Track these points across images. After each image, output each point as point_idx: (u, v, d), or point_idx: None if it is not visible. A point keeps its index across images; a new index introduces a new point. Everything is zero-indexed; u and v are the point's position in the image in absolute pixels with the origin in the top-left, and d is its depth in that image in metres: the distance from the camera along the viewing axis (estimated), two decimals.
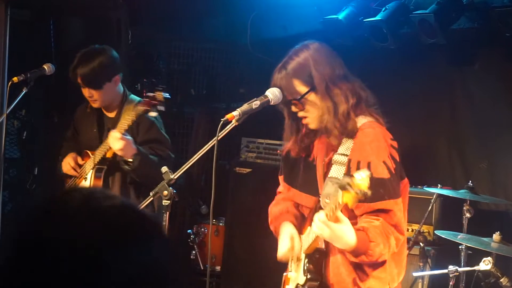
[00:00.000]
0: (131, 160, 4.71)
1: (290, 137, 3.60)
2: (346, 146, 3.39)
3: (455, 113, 6.24)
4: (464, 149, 6.16)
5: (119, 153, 4.69)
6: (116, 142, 4.63)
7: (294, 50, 3.48)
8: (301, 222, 3.63)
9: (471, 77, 6.11)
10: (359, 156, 3.32)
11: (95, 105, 5.02)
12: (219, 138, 3.37)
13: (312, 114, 3.43)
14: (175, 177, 3.47)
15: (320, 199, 3.43)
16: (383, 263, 3.37)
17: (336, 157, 3.41)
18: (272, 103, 3.47)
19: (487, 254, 4.72)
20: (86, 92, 4.96)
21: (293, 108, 3.46)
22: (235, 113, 3.35)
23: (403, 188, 3.44)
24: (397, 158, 3.37)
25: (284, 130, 3.62)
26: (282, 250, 3.56)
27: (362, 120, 3.42)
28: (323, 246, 3.38)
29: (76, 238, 1.25)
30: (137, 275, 1.26)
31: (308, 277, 3.40)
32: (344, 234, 3.12)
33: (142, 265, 1.28)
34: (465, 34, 5.80)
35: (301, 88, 3.40)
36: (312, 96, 3.41)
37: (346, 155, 3.37)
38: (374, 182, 3.22)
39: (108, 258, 1.25)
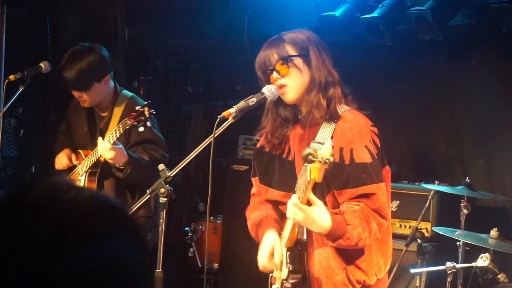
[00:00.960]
0: (122, 167, 4.72)
1: (266, 125, 3.57)
2: (325, 132, 3.36)
3: (452, 110, 6.24)
4: (461, 146, 6.16)
5: (110, 161, 4.69)
6: (106, 152, 4.62)
7: (291, 31, 3.52)
8: (282, 222, 3.56)
9: (468, 74, 6.11)
10: (341, 142, 3.29)
11: (85, 105, 4.98)
12: (216, 135, 3.37)
13: (294, 82, 3.40)
14: (172, 175, 3.47)
15: (295, 190, 3.40)
16: (368, 252, 3.35)
17: (314, 145, 3.34)
18: (268, 100, 3.47)
19: (484, 250, 4.73)
20: (75, 93, 4.93)
21: (274, 75, 3.42)
22: (232, 110, 3.34)
23: (385, 174, 3.42)
24: (378, 144, 3.36)
25: (263, 116, 3.59)
26: (261, 262, 3.52)
27: (342, 108, 3.42)
28: (303, 237, 3.30)
29: (36, 232, 1.21)
30: (102, 269, 1.22)
31: (290, 269, 3.34)
32: (317, 217, 3.06)
33: (107, 258, 1.23)
34: (462, 31, 5.80)
35: (292, 52, 3.41)
36: (299, 62, 3.40)
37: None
38: (357, 168, 3.24)
39: (71, 251, 1.20)
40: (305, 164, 2.89)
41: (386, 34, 5.77)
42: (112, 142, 4.61)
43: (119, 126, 4.59)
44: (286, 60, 3.40)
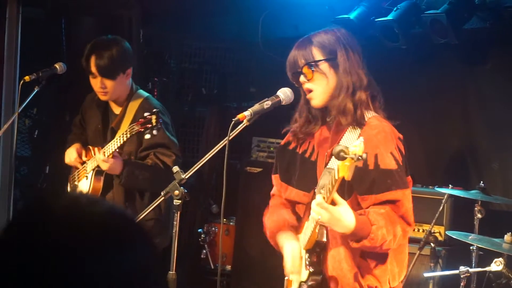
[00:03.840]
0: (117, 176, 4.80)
1: (298, 119, 3.55)
2: (350, 137, 3.35)
3: (466, 113, 6.21)
4: (475, 149, 6.13)
5: (105, 170, 4.75)
6: (101, 163, 4.70)
7: (320, 30, 3.48)
8: (299, 226, 3.56)
9: (483, 77, 6.08)
10: (365, 147, 3.29)
11: (105, 97, 4.95)
12: (230, 138, 3.37)
13: (320, 87, 3.39)
14: (186, 177, 3.47)
15: (315, 190, 3.38)
16: (384, 259, 3.34)
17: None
18: (283, 103, 3.48)
19: (498, 255, 4.70)
20: (97, 82, 4.87)
21: (301, 78, 3.41)
22: (247, 113, 3.35)
23: (408, 183, 3.40)
24: (403, 152, 3.35)
25: (296, 111, 3.57)
26: (288, 269, 3.51)
27: (368, 114, 3.41)
28: (323, 239, 3.30)
29: (58, 245, 1.25)
30: (120, 281, 1.27)
31: (310, 271, 3.35)
32: (342, 216, 3.06)
33: (125, 271, 1.28)
34: (477, 34, 5.78)
35: (318, 56, 3.39)
36: (325, 66, 3.38)
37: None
38: (382, 174, 3.23)
39: (90, 264, 1.25)
40: (327, 166, 2.88)
41: (400, 37, 5.76)
42: (108, 154, 4.67)
43: (126, 131, 4.60)
44: (311, 65, 3.39)
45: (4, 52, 6.16)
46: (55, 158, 5.85)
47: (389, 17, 5.76)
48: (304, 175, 3.51)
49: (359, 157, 2.74)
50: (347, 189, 3.29)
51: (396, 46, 5.86)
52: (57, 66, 5.09)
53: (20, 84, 5.00)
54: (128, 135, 4.60)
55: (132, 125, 4.59)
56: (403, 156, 3.34)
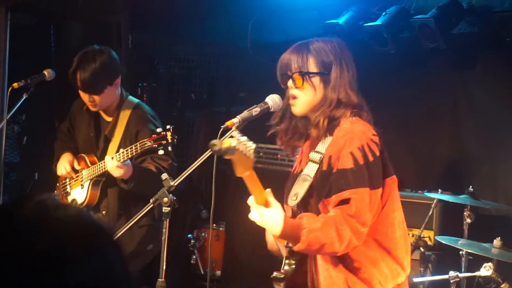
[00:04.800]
0: (127, 180, 4.74)
1: (282, 119, 3.53)
2: (324, 143, 3.36)
3: (456, 117, 6.22)
4: (465, 154, 6.14)
5: (117, 177, 4.72)
6: (114, 170, 4.66)
7: (320, 38, 3.45)
8: None
9: (472, 81, 6.10)
10: (331, 151, 3.28)
11: (95, 109, 4.96)
12: None
13: (305, 97, 3.38)
14: (175, 184, 3.47)
15: (288, 199, 3.40)
16: (372, 262, 3.32)
17: (311, 155, 3.38)
18: (272, 110, 3.47)
19: (488, 259, 4.71)
20: (85, 96, 4.89)
21: (289, 83, 3.40)
22: (235, 120, 3.34)
23: (391, 184, 3.38)
24: (377, 152, 3.27)
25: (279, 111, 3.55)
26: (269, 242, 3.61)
27: (347, 120, 3.38)
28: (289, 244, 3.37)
29: (25, 248, 1.26)
30: (90, 283, 1.28)
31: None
32: (269, 218, 3.11)
33: (95, 273, 1.29)
34: (466, 39, 5.80)
35: (312, 68, 3.37)
36: (316, 79, 3.36)
37: (321, 153, 3.35)
38: (337, 174, 3.23)
39: (60, 267, 1.26)
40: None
41: (389, 41, 5.78)
42: (122, 160, 4.62)
43: (136, 146, 4.57)
44: (303, 73, 3.38)
45: None
46: (44, 164, 5.84)
47: (378, 22, 5.78)
48: (289, 189, 3.50)
49: (227, 149, 2.77)
50: (316, 194, 3.31)
51: (385, 50, 5.87)
52: (45, 72, 5.08)
53: (9, 90, 4.98)
54: (138, 150, 4.57)
55: (143, 141, 4.55)
56: (376, 157, 3.26)
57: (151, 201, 3.48)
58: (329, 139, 3.35)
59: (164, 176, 3.50)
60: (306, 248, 3.17)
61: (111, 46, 5.20)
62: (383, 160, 3.33)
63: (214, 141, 2.79)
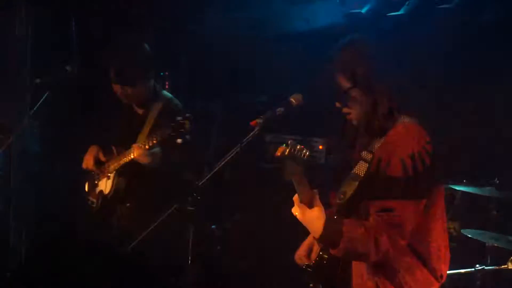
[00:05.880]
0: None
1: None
2: (376, 143, 3.36)
3: (484, 109, 6.11)
4: (491, 145, 6.06)
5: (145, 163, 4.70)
6: (143, 157, 4.67)
7: (339, 45, 3.43)
8: None
9: (506, 71, 5.95)
10: (382, 153, 3.27)
11: (127, 101, 4.98)
12: (242, 145, 3.37)
13: (356, 110, 3.39)
14: (200, 184, 3.46)
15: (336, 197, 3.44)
16: (405, 269, 3.29)
17: (364, 154, 3.40)
18: (294, 107, 3.48)
19: None
20: (118, 88, 4.89)
21: (337, 104, 3.42)
22: (259, 120, 3.35)
23: (437, 193, 3.34)
24: (428, 162, 3.21)
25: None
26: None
27: (399, 119, 3.35)
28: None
29: None
30: None
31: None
32: (312, 220, 3.13)
33: None
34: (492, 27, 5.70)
35: (345, 84, 3.36)
36: (355, 92, 3.35)
37: (373, 153, 3.34)
38: (385, 180, 3.20)
39: None
40: None
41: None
42: (148, 148, 4.61)
43: (157, 134, 4.56)
44: (341, 96, 3.38)
45: (16, 54, 6.16)
46: (66, 157, 5.86)
47: (401, 11, 5.73)
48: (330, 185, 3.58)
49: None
50: (361, 194, 3.28)
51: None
52: (68, 67, 5.07)
53: (32, 86, 4.99)
54: (159, 139, 4.57)
55: (163, 129, 4.55)
56: (426, 166, 3.20)
57: (174, 206, 3.47)
58: (382, 140, 3.34)
59: (188, 175, 3.51)
60: (342, 255, 3.19)
61: (132, 37, 5.18)
62: (433, 169, 3.25)
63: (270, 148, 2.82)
